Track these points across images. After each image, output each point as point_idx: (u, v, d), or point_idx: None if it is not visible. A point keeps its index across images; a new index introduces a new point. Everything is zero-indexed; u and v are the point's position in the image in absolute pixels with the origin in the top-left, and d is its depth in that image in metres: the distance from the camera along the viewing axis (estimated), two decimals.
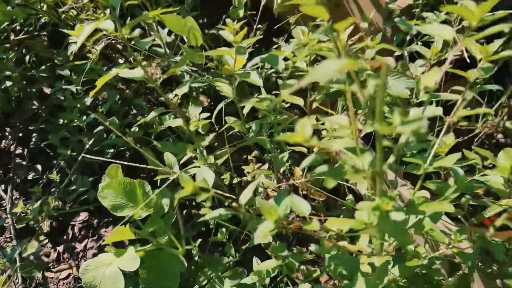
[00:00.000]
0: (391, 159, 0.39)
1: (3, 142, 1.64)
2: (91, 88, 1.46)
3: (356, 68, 0.29)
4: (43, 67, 1.55)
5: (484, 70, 0.52)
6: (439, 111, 0.49)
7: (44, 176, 1.48)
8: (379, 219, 0.42)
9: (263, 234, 0.45)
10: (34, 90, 1.55)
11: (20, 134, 1.60)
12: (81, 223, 1.44)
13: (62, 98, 1.42)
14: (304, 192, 1.12)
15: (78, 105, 1.24)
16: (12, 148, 1.59)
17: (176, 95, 0.84)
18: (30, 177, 1.48)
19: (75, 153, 1.35)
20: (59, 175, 1.34)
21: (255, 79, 0.74)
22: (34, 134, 1.53)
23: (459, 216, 0.92)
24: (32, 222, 1.29)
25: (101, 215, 1.41)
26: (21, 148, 1.59)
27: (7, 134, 1.64)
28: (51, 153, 1.51)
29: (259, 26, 1.22)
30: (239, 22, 0.87)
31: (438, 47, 0.61)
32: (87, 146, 1.08)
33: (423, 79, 0.43)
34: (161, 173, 0.98)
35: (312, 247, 0.75)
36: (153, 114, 0.81)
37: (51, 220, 1.41)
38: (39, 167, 1.49)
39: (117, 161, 0.91)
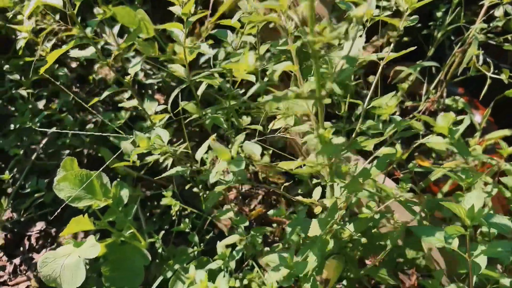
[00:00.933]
0: (323, 92, 0.42)
1: None
2: (43, 89, 1.43)
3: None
4: None
5: (411, 20, 0.58)
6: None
7: None
8: (322, 145, 0.45)
9: (219, 172, 0.47)
10: None
11: None
12: (38, 233, 1.39)
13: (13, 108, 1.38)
14: (264, 176, 1.15)
15: (30, 106, 1.22)
16: None
17: (129, 74, 0.85)
18: None
19: (28, 158, 1.31)
20: (11, 177, 1.29)
21: (205, 49, 0.77)
22: None
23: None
24: None
25: (59, 223, 1.37)
26: None
27: None
28: (3, 165, 1.46)
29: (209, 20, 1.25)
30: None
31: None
32: (41, 145, 1.06)
33: (353, 12, 0.47)
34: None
35: (270, 212, 0.77)
36: (106, 93, 0.81)
37: (5, 232, 1.36)
38: None
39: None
